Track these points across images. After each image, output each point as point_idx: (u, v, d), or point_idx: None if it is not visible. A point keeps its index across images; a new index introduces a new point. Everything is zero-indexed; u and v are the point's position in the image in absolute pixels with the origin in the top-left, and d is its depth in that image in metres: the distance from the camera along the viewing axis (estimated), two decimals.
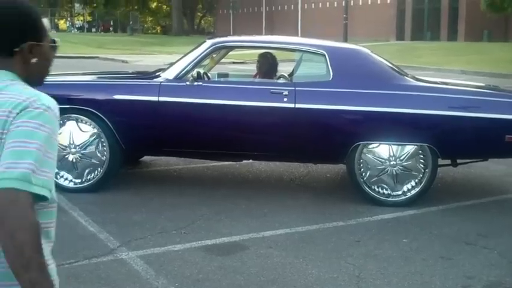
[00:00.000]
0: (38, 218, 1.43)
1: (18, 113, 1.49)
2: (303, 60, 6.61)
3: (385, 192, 5.65)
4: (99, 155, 5.77)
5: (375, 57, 6.02)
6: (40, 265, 1.40)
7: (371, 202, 5.62)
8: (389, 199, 5.65)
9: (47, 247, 1.55)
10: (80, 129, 5.78)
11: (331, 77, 5.66)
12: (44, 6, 66.93)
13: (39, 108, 1.52)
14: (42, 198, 1.44)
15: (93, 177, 5.80)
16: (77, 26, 67.29)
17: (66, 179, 5.80)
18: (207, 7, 66.78)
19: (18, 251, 1.37)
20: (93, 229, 4.82)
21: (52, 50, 1.69)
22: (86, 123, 5.76)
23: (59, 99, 5.64)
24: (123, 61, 28.04)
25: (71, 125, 5.77)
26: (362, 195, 5.68)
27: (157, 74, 6.12)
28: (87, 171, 5.80)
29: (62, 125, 5.75)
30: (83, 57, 30.70)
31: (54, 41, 1.70)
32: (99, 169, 5.77)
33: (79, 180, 5.81)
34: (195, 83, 5.68)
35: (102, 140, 5.75)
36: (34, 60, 1.62)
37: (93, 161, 5.78)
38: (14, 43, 1.58)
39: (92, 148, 5.78)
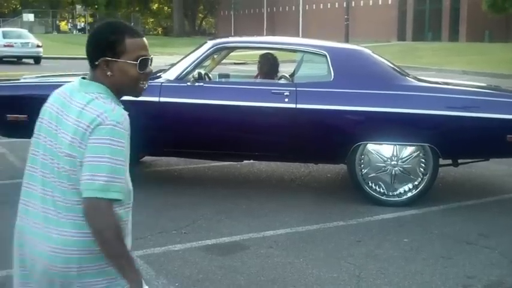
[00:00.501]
0: (118, 218, 1.88)
1: (93, 129, 1.86)
2: (304, 61, 6.61)
3: (385, 191, 5.65)
4: None
5: (376, 58, 6.02)
6: (124, 254, 1.84)
7: (372, 202, 5.62)
8: (390, 199, 5.65)
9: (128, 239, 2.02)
10: None
11: (332, 77, 5.67)
12: (45, 8, 67.13)
13: (109, 124, 1.86)
14: (117, 200, 1.85)
15: None
16: (78, 27, 67.36)
17: None
18: (208, 8, 66.81)
19: (106, 245, 1.82)
20: None
21: (133, 66, 1.96)
22: None
23: None
24: None
25: None
26: (363, 195, 5.68)
27: (158, 74, 6.12)
28: None
29: None
30: (85, 58, 30.68)
31: (138, 59, 1.96)
32: None
33: None
34: (196, 84, 5.69)
35: None
36: (109, 73, 1.95)
37: None
38: (94, 58, 1.97)
39: None
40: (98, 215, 1.81)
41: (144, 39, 2.01)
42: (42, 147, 1.99)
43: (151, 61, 2.03)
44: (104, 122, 1.86)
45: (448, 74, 21.33)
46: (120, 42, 1.94)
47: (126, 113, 1.94)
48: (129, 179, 1.99)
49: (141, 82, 2.02)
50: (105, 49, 1.95)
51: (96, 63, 1.97)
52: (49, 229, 1.92)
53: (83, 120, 1.88)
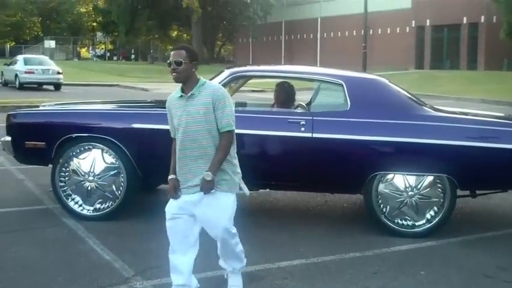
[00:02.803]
0: None
1: (218, 95, 3.80)
2: (321, 90, 6.61)
3: (403, 223, 5.60)
4: (114, 188, 5.81)
5: (393, 87, 6.01)
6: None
7: (388, 233, 5.56)
8: (407, 230, 5.59)
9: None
10: (102, 159, 5.83)
11: (349, 106, 5.66)
12: (66, 35, 68.14)
13: (220, 91, 3.85)
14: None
15: (107, 207, 5.83)
16: (96, 54, 68.18)
17: (80, 205, 5.85)
18: (227, 36, 67.38)
19: (227, 151, 3.78)
20: (109, 257, 4.83)
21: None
22: (106, 152, 5.80)
23: (78, 128, 5.67)
24: (143, 89, 28.34)
25: (93, 153, 5.83)
26: (379, 225, 5.63)
27: None
28: (99, 201, 5.84)
29: (86, 151, 5.83)
30: (104, 85, 31.07)
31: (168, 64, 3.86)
32: (110, 202, 5.82)
33: (92, 208, 5.85)
34: None
35: (120, 172, 5.78)
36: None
37: (106, 193, 5.83)
38: None
39: (108, 180, 5.82)
40: (232, 138, 3.91)
41: (171, 52, 3.93)
42: None
43: (171, 63, 3.82)
44: (219, 91, 3.88)
45: (466, 102, 21.23)
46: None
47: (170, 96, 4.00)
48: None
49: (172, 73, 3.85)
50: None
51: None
52: None
53: (214, 89, 3.93)
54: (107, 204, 5.85)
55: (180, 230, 3.86)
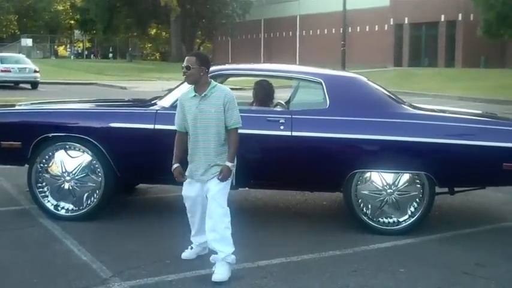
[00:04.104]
0: None
1: (228, 98, 4.45)
2: (300, 88, 6.60)
3: (382, 220, 5.61)
4: (94, 177, 5.74)
5: (372, 85, 6.02)
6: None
7: (368, 230, 5.57)
8: (387, 227, 5.61)
9: None
10: (71, 157, 5.76)
11: (328, 105, 5.66)
12: (44, 33, 67.44)
13: (229, 95, 4.48)
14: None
15: (84, 207, 5.76)
16: (72, 52, 67.55)
17: (63, 208, 5.78)
18: (206, 34, 67.16)
19: (236, 145, 4.45)
20: (86, 258, 4.77)
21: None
22: (82, 151, 5.73)
23: (54, 128, 5.61)
24: (121, 87, 28.14)
25: (69, 153, 5.76)
26: (359, 223, 5.64)
27: (153, 102, 6.12)
28: (85, 195, 5.76)
29: (59, 152, 5.75)
30: (82, 83, 30.82)
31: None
32: (97, 191, 5.74)
33: (76, 208, 5.77)
34: None
35: (97, 166, 5.71)
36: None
37: (89, 184, 5.75)
38: None
39: (87, 173, 5.75)
40: (237, 135, 4.56)
41: (186, 57, 4.55)
42: None
43: (184, 67, 4.47)
44: (228, 94, 4.52)
45: (444, 99, 21.40)
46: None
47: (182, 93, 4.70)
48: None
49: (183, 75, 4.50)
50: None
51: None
52: None
53: (224, 93, 4.54)
54: (84, 204, 5.78)
55: (198, 206, 4.63)
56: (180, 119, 4.57)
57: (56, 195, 5.81)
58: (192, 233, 4.80)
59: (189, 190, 4.62)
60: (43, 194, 5.82)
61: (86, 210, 5.77)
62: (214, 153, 4.46)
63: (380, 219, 5.61)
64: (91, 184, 5.77)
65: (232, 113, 4.46)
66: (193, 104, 4.47)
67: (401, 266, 4.78)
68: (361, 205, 5.61)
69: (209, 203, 4.44)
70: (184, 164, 4.59)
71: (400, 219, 5.62)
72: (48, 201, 5.81)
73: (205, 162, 4.47)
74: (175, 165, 4.56)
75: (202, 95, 4.46)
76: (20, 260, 4.75)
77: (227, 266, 4.39)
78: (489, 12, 28.50)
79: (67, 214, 5.79)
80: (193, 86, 4.52)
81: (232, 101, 4.48)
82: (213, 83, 4.53)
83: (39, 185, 5.82)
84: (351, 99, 5.75)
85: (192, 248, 4.83)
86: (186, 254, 4.80)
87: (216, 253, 4.43)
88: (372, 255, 5.04)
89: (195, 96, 4.49)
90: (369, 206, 5.61)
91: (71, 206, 5.80)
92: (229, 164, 4.44)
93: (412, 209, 5.61)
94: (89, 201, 5.78)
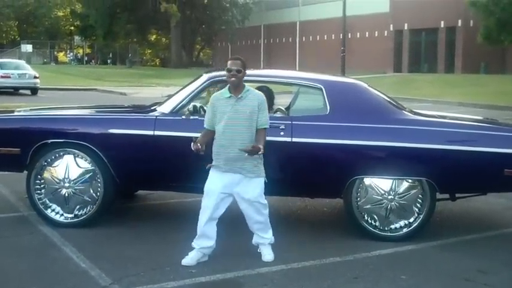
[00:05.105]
0: None
1: (262, 101, 4.83)
2: (300, 94, 6.58)
3: (383, 226, 5.57)
4: (92, 192, 5.71)
5: (372, 91, 5.99)
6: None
7: (368, 237, 5.54)
8: (387, 234, 5.57)
9: None
10: (77, 165, 5.73)
11: (328, 111, 5.63)
12: (44, 39, 67.51)
13: (262, 98, 4.86)
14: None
15: (85, 213, 5.73)
16: (71, 57, 67.54)
17: (57, 212, 5.75)
18: (206, 40, 67.24)
19: (265, 141, 4.79)
20: (85, 265, 4.73)
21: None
22: (82, 158, 5.70)
23: (53, 134, 5.58)
24: (121, 93, 28.14)
25: (68, 159, 5.72)
26: (359, 230, 5.60)
27: (153, 107, 6.09)
28: (78, 206, 5.74)
29: (58, 158, 5.72)
30: (82, 89, 30.82)
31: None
32: (90, 206, 5.71)
33: (70, 215, 5.74)
34: (191, 117, 5.65)
35: (97, 176, 5.68)
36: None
37: (85, 198, 5.72)
38: None
39: (85, 184, 5.72)
40: (265, 134, 4.95)
41: (230, 61, 4.84)
42: None
43: (232, 70, 4.77)
44: (261, 98, 4.87)
45: (444, 105, 21.38)
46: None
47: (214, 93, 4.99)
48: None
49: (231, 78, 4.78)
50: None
51: None
52: None
53: (256, 96, 4.90)
54: (84, 210, 5.75)
55: (217, 204, 4.83)
56: (210, 119, 4.87)
57: (55, 202, 5.77)
58: (197, 235, 4.89)
59: (212, 183, 4.84)
60: (42, 201, 5.78)
61: (85, 216, 5.74)
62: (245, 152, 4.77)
63: (380, 225, 5.57)
64: (90, 191, 5.73)
65: (263, 114, 4.83)
66: (228, 104, 4.79)
67: (402, 272, 4.74)
68: (362, 211, 5.57)
69: (251, 202, 4.86)
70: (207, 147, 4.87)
71: (401, 226, 5.58)
72: (47, 207, 5.78)
73: (239, 159, 4.76)
74: (197, 140, 4.79)
75: (239, 96, 4.79)
76: (19, 268, 4.71)
77: (270, 246, 5.02)
78: (489, 18, 28.52)
79: (66, 221, 5.75)
80: (227, 87, 4.85)
81: (264, 103, 4.86)
82: (247, 87, 4.88)
83: (38, 191, 5.78)
84: (351, 105, 5.73)
85: (192, 253, 4.84)
86: (187, 261, 4.79)
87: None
88: (373, 262, 5.01)
89: (230, 97, 4.81)
90: (370, 213, 5.57)
91: (70, 213, 5.76)
92: (260, 147, 4.71)
93: (413, 215, 5.58)
94: (88, 208, 5.74)
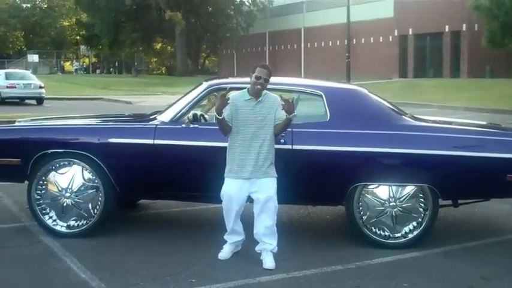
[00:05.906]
0: None
1: (279, 103, 4.99)
2: (300, 101, 6.54)
3: (385, 234, 5.53)
4: (91, 205, 5.70)
5: (373, 97, 5.96)
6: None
7: (371, 244, 5.50)
8: (390, 241, 5.53)
9: None
10: (79, 175, 5.72)
11: (329, 117, 5.61)
12: (50, 49, 67.81)
13: (279, 100, 5.00)
14: None
15: (84, 224, 5.71)
16: (76, 67, 67.76)
17: (63, 224, 5.73)
18: (211, 47, 67.37)
19: (285, 127, 5.09)
20: (86, 276, 4.71)
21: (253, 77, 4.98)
22: (83, 168, 5.70)
23: (54, 144, 5.54)
24: (126, 102, 28.18)
25: (68, 169, 5.72)
26: (361, 237, 5.56)
27: (153, 116, 6.08)
28: (75, 217, 5.73)
29: (59, 168, 5.71)
30: (87, 98, 30.89)
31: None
32: (87, 219, 5.71)
33: (76, 224, 5.73)
34: (191, 126, 5.63)
35: (96, 182, 5.67)
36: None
37: (82, 210, 5.71)
38: None
39: (85, 196, 5.72)
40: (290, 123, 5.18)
41: (259, 68, 4.98)
42: None
43: (261, 78, 4.96)
44: (277, 101, 5.06)
45: (450, 110, 21.31)
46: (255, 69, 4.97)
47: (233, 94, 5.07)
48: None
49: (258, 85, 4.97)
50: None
51: None
52: None
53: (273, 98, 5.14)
54: (84, 221, 5.74)
55: (237, 205, 5.03)
56: (229, 114, 4.99)
57: (56, 212, 5.76)
58: (227, 232, 5.19)
59: (230, 188, 5.00)
60: (43, 211, 5.77)
61: (86, 226, 5.73)
62: (266, 151, 4.99)
63: (382, 233, 5.53)
64: (91, 200, 5.72)
65: (279, 111, 5.01)
66: (248, 106, 5.00)
67: (405, 280, 4.70)
68: (363, 219, 5.53)
69: (266, 201, 4.96)
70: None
71: (403, 233, 5.53)
72: (48, 218, 5.77)
73: (256, 161, 4.96)
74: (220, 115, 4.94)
75: (259, 99, 5.00)
76: (20, 278, 4.70)
77: (273, 254, 5.03)
78: (493, 22, 28.46)
79: (67, 231, 5.74)
80: (246, 90, 5.06)
81: (279, 104, 5.02)
82: (264, 90, 5.06)
83: (39, 201, 5.78)
84: (352, 112, 5.70)
85: (226, 246, 5.20)
86: (223, 255, 5.14)
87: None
88: (375, 270, 4.96)
89: (250, 99, 5.01)
90: (371, 219, 5.53)
91: (71, 223, 5.75)
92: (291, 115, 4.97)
93: (415, 222, 5.53)
94: (89, 218, 5.73)
